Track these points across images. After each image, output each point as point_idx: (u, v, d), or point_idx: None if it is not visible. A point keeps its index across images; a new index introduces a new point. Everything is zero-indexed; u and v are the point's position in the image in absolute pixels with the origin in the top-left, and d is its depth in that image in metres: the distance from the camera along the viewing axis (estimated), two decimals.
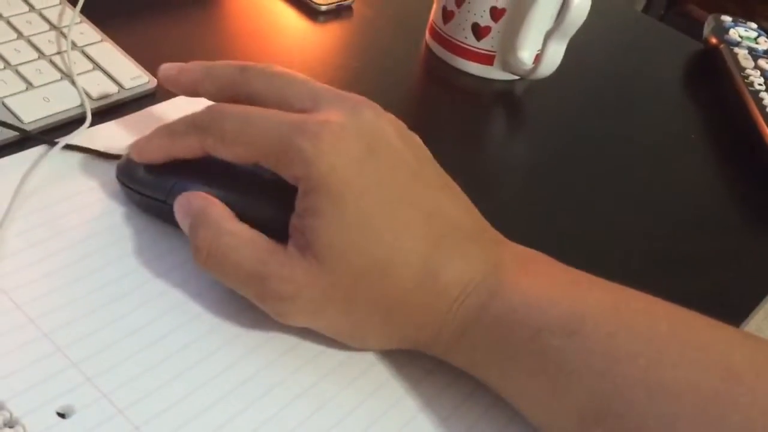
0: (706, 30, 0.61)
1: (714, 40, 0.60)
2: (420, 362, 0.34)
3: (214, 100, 0.36)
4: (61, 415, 0.28)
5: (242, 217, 0.33)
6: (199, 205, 0.33)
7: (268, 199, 0.33)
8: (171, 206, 0.34)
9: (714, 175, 0.52)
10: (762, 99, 0.54)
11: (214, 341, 0.33)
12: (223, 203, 0.33)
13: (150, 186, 0.35)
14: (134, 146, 0.36)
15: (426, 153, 0.35)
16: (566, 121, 0.53)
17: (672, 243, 0.46)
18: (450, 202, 0.33)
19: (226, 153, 0.33)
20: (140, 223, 0.36)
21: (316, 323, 0.32)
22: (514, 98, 0.55)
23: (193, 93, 0.36)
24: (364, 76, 0.52)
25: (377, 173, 0.31)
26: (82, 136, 0.39)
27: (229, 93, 0.35)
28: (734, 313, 0.42)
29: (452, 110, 0.52)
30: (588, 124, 0.54)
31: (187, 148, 0.34)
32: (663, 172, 0.51)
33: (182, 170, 0.34)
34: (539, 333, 0.30)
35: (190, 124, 0.34)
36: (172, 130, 0.34)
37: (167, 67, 0.37)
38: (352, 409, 0.32)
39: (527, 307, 0.31)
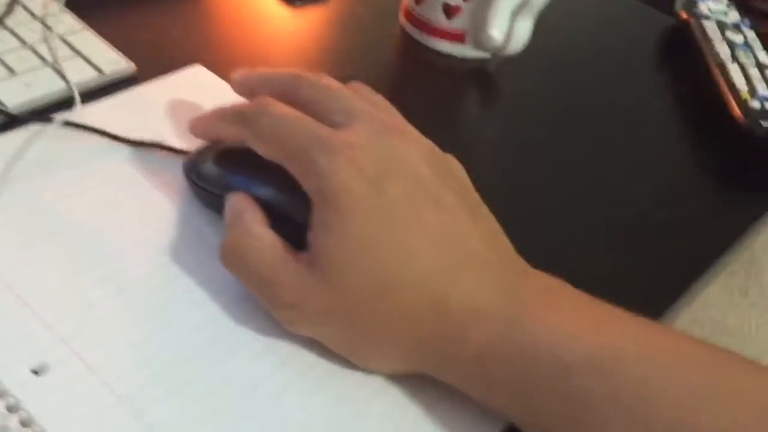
0: (677, 4, 0.63)
1: (684, 15, 0.61)
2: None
3: None
4: (35, 372, 0.31)
5: (282, 221, 0.34)
6: (238, 207, 0.35)
7: (308, 208, 0.34)
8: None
9: (683, 146, 0.53)
10: (729, 70, 0.55)
11: (186, 303, 0.35)
12: (260, 208, 0.35)
13: (209, 181, 0.38)
14: (191, 120, 0.39)
15: (458, 178, 0.35)
16: (538, 97, 0.55)
17: (639, 210, 0.47)
18: (470, 230, 0.33)
19: (259, 147, 0.35)
20: (128, 198, 0.39)
21: (319, 333, 0.33)
22: (487, 75, 0.57)
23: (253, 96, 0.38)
24: (342, 58, 0.54)
25: (390, 197, 0.32)
26: (74, 116, 0.41)
27: (284, 99, 0.36)
28: (693, 277, 0.44)
29: (427, 88, 0.54)
30: (560, 99, 0.55)
31: (230, 134, 0.37)
32: (633, 144, 0.52)
33: (240, 170, 0.37)
34: (568, 372, 0.29)
35: (238, 113, 0.36)
36: (223, 114, 0.37)
37: (236, 73, 0.39)
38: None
39: (554, 344, 0.30)
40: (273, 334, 0.34)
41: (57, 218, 0.37)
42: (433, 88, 0.54)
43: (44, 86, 0.43)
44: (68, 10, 0.48)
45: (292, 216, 0.34)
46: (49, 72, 0.44)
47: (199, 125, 0.39)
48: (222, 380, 0.32)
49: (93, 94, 0.44)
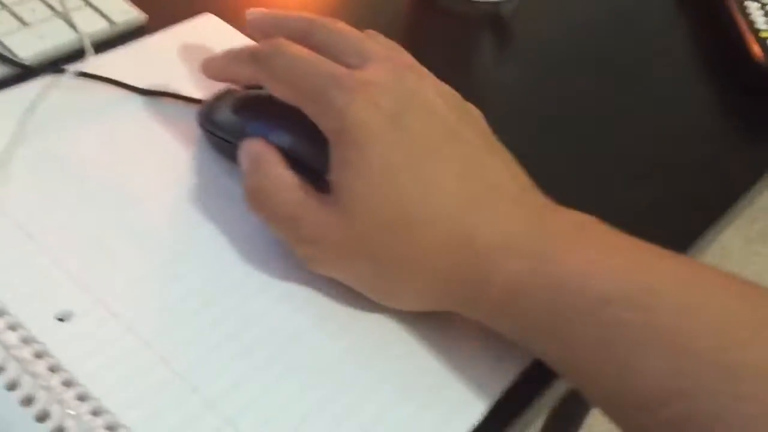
0: None
1: None
2: None
3: None
4: (60, 320, 0.31)
5: (299, 168, 0.34)
6: (256, 151, 0.35)
7: (325, 153, 0.33)
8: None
9: (702, 87, 0.53)
10: (747, 8, 0.54)
11: (209, 250, 0.35)
12: (279, 151, 0.34)
13: (224, 129, 0.38)
14: (203, 62, 0.39)
15: (478, 122, 0.35)
16: (553, 40, 0.54)
17: (661, 152, 0.47)
18: (491, 164, 0.33)
19: (273, 88, 0.35)
20: (145, 146, 0.39)
21: (343, 273, 0.33)
22: (501, 19, 0.56)
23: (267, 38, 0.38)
24: (354, 3, 0.53)
25: (409, 130, 0.32)
26: (86, 67, 0.41)
27: (299, 42, 0.36)
28: (712, 218, 0.44)
29: (440, 33, 0.53)
30: (575, 41, 0.54)
31: (244, 75, 0.37)
32: (652, 86, 0.52)
33: (255, 118, 0.37)
34: (607, 303, 0.29)
35: (252, 53, 0.36)
36: (236, 54, 0.37)
37: (251, 12, 0.39)
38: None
39: (587, 276, 0.29)
40: (292, 279, 0.34)
41: (75, 169, 0.37)
42: (446, 33, 0.53)
43: (56, 37, 0.42)
44: None
45: (309, 162, 0.34)
46: (60, 23, 0.43)
47: (211, 66, 0.39)
48: (243, 325, 0.33)
49: (104, 44, 0.44)
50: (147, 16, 0.46)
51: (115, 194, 0.36)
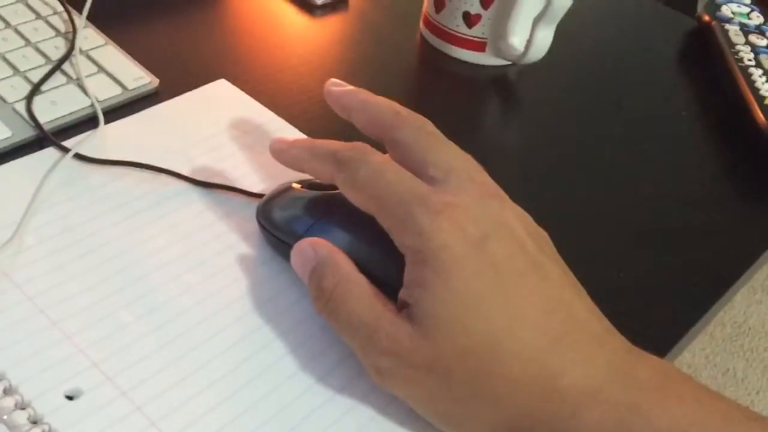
0: (699, 7, 0.62)
1: (706, 18, 0.61)
2: None
3: (361, 130, 0.37)
4: (69, 398, 0.31)
5: (362, 271, 0.33)
6: (326, 252, 0.34)
7: (391, 259, 0.33)
8: None
9: (705, 151, 0.53)
10: (751, 75, 0.55)
11: (214, 325, 0.35)
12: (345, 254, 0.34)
13: (282, 229, 0.37)
14: (275, 143, 0.38)
15: (551, 249, 0.34)
16: (559, 103, 0.55)
17: (663, 216, 0.47)
18: (575, 301, 0.32)
19: (351, 195, 0.34)
20: (152, 219, 0.39)
21: (415, 393, 0.32)
22: (508, 83, 0.56)
23: (347, 117, 0.37)
24: (362, 67, 0.54)
25: (493, 258, 0.31)
26: (92, 141, 0.42)
27: (377, 130, 0.36)
28: (720, 284, 0.44)
29: (448, 97, 0.54)
30: (581, 105, 0.55)
31: (321, 172, 0.35)
32: (655, 150, 0.52)
33: (315, 218, 0.36)
34: None
35: (333, 153, 0.35)
36: (315, 149, 0.36)
37: (333, 84, 0.38)
38: None
39: (676, 430, 0.29)
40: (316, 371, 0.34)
41: (86, 242, 0.37)
42: (453, 96, 0.54)
43: (69, 104, 0.43)
44: (91, 24, 0.48)
45: (376, 273, 0.33)
46: (74, 89, 0.44)
47: (287, 154, 0.37)
48: (251, 405, 0.32)
49: (118, 109, 0.45)
50: (159, 81, 0.46)
51: (125, 269, 0.36)
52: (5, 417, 0.29)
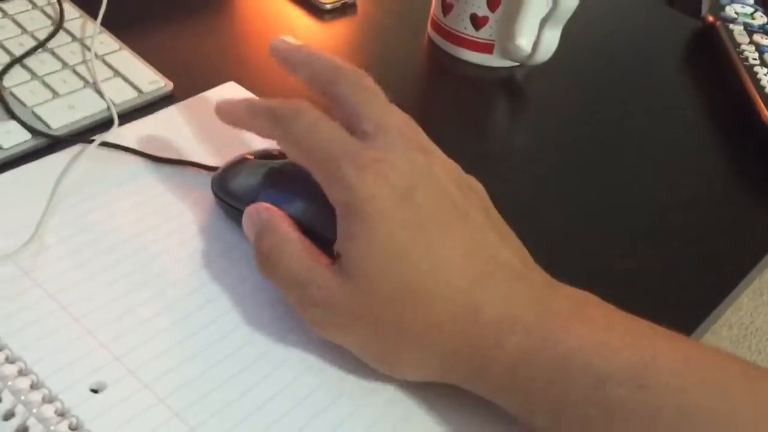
0: (704, 8, 0.63)
1: (711, 18, 0.62)
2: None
3: (306, 84, 0.38)
4: (94, 391, 0.32)
5: (310, 232, 0.35)
6: (268, 215, 0.36)
7: (332, 217, 0.34)
8: None
9: (711, 150, 0.53)
10: (757, 74, 0.56)
11: (232, 320, 0.36)
12: (289, 216, 0.36)
13: (236, 197, 0.39)
14: (219, 104, 0.39)
15: (480, 199, 0.36)
16: (566, 104, 0.56)
17: (669, 216, 0.47)
18: (498, 244, 0.34)
19: (287, 150, 0.36)
20: (168, 216, 0.40)
21: (348, 340, 0.34)
22: (515, 84, 0.57)
23: (291, 71, 0.39)
24: (370, 70, 0.54)
25: (418, 209, 0.32)
26: (111, 137, 0.42)
27: (318, 84, 0.37)
28: (726, 283, 0.44)
29: (456, 98, 0.54)
30: (588, 106, 0.56)
31: (260, 129, 0.37)
32: (661, 150, 0.53)
33: (265, 186, 0.38)
34: (604, 382, 0.29)
35: (271, 111, 0.36)
36: (254, 107, 0.37)
37: (280, 42, 0.39)
38: None
39: (585, 353, 0.30)
40: (313, 348, 0.35)
41: (103, 238, 0.38)
42: (461, 98, 0.55)
43: (86, 108, 0.44)
44: (106, 30, 0.49)
45: (318, 230, 0.35)
46: (90, 93, 0.45)
47: (228, 112, 0.38)
48: (271, 395, 0.33)
49: (133, 112, 0.45)
50: (173, 84, 0.47)
51: (144, 265, 0.37)
52: (34, 410, 0.30)
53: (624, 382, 0.29)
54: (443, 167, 0.35)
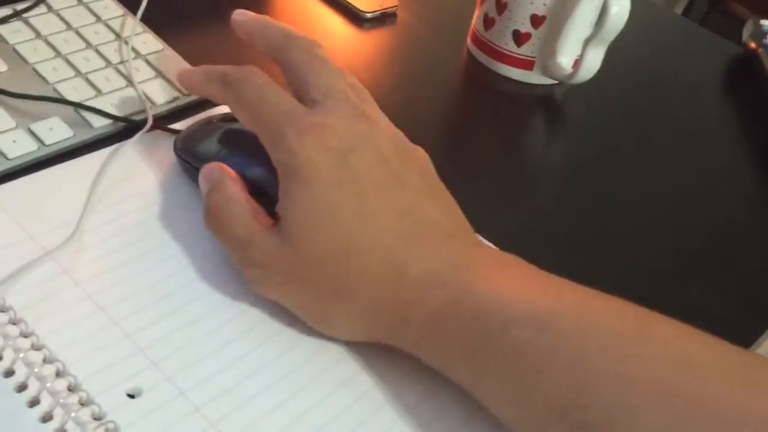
0: (745, 34, 0.62)
1: (753, 45, 0.61)
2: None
3: (262, 52, 0.40)
4: (131, 396, 0.31)
5: (261, 193, 0.37)
6: (218, 174, 0.37)
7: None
8: None
9: (751, 177, 0.53)
10: None
11: (264, 333, 0.35)
12: (242, 178, 0.37)
13: (196, 157, 0.40)
14: (181, 72, 0.41)
15: (422, 166, 0.37)
16: (605, 125, 0.55)
17: (709, 241, 0.47)
18: (431, 206, 0.35)
19: (236, 113, 0.37)
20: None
21: (283, 297, 0.35)
22: (554, 102, 0.57)
23: (248, 41, 0.40)
24: (408, 80, 0.54)
25: (353, 170, 0.34)
26: (150, 137, 0.43)
27: (272, 52, 0.39)
28: (763, 316, 0.44)
29: (493, 114, 0.54)
30: (626, 127, 0.55)
31: (214, 94, 0.39)
32: (699, 175, 0.52)
33: (223, 146, 0.39)
34: (508, 326, 0.31)
35: (222, 76, 0.38)
36: (209, 73, 0.39)
37: (240, 13, 0.41)
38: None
39: (497, 302, 0.32)
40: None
41: (143, 238, 0.38)
42: (498, 113, 0.54)
43: (127, 107, 0.44)
44: (149, 29, 0.49)
45: (271, 192, 0.36)
46: (132, 93, 0.45)
47: (185, 78, 0.41)
48: (309, 408, 0.33)
49: (173, 114, 0.45)
50: None
51: (183, 268, 0.37)
52: (72, 414, 0.29)
53: (526, 326, 0.31)
54: (384, 134, 0.36)
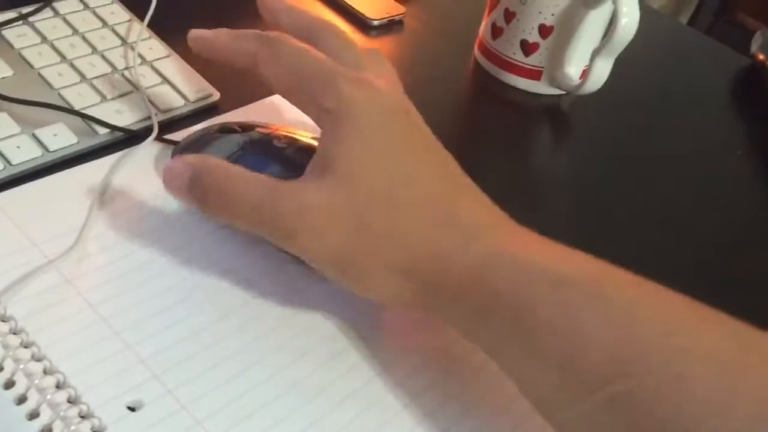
0: (754, 46, 0.62)
1: (761, 56, 0.61)
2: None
3: (289, 32, 0.39)
4: (131, 409, 0.31)
5: None
6: (195, 159, 0.35)
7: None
8: None
9: (757, 190, 0.53)
10: None
11: (269, 345, 0.35)
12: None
13: None
14: (195, 37, 0.39)
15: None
16: (612, 136, 0.55)
17: (718, 256, 0.47)
18: (460, 173, 0.36)
19: (272, 69, 0.36)
20: (207, 228, 0.39)
21: (321, 245, 0.33)
22: (561, 113, 0.56)
23: (274, 22, 0.39)
24: (414, 88, 0.53)
25: (403, 126, 0.35)
26: (155, 145, 0.42)
27: (299, 34, 0.38)
28: None
29: (500, 123, 0.54)
30: (633, 138, 0.55)
31: (243, 52, 0.37)
32: (706, 186, 0.52)
33: (224, 158, 0.38)
34: (561, 285, 0.31)
35: (258, 34, 0.37)
36: (237, 32, 0.38)
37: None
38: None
39: (543, 262, 0.32)
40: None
41: (147, 248, 0.38)
42: (505, 122, 0.54)
43: (132, 113, 0.43)
44: (155, 35, 0.49)
45: None
46: (137, 99, 0.44)
47: (204, 38, 0.39)
48: (314, 421, 0.33)
49: (179, 120, 0.45)
50: (220, 95, 0.47)
51: (185, 280, 0.37)
52: (72, 427, 0.29)
53: (580, 289, 0.31)
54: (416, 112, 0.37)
